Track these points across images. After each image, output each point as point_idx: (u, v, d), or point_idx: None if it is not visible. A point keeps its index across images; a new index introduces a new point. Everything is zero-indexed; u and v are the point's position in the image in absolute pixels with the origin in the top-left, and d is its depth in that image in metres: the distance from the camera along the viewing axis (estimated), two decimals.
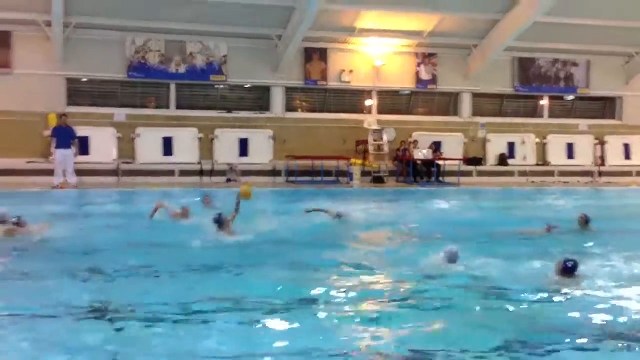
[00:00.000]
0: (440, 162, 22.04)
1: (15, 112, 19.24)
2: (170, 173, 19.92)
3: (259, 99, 22.34)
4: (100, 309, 5.89)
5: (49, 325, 5.40)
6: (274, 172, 21.09)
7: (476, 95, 24.03)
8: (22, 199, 14.44)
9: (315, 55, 22.24)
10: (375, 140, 22.09)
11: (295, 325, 5.59)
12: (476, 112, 24.05)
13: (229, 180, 20.16)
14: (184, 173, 20.13)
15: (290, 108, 22.45)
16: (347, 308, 6.14)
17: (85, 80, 20.58)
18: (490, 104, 24.49)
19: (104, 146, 19.89)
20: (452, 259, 7.53)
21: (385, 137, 22.14)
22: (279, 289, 6.71)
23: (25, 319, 5.56)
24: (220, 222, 9.40)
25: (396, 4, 20.34)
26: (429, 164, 21.97)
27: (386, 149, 22.07)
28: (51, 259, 8.16)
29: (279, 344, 5.12)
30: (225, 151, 20.94)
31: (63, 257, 8.28)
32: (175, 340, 5.18)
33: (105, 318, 5.65)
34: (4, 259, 7.96)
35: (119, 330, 5.38)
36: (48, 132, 18.44)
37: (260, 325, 5.55)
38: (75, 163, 17.90)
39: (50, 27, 18.90)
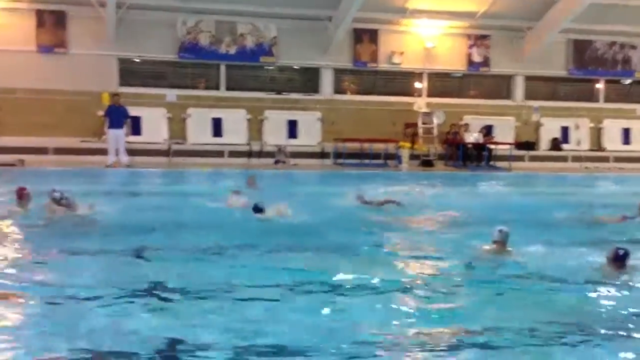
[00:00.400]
0: (491, 146, 21.71)
1: (70, 91, 19.60)
2: (220, 154, 20.04)
3: (308, 80, 22.29)
4: (149, 289, 5.92)
5: (98, 305, 5.45)
6: (322, 154, 21.06)
7: (529, 78, 23.56)
8: (75, 177, 14.71)
9: (365, 37, 22.06)
10: (424, 123, 21.87)
11: (348, 308, 5.55)
12: (529, 96, 23.59)
13: (277, 162, 20.20)
14: (232, 154, 20.23)
15: (339, 90, 22.35)
16: (396, 293, 6.06)
17: (137, 60, 20.80)
18: (543, 87, 23.99)
19: (155, 126, 20.10)
20: (503, 238, 7.37)
21: (434, 120, 21.89)
22: (331, 272, 6.68)
23: (73, 298, 5.61)
24: (259, 210, 9.36)
25: None
26: (479, 147, 21.64)
27: (435, 132, 21.83)
28: (100, 237, 8.27)
29: (344, 330, 5.06)
30: (274, 132, 20.98)
31: (113, 236, 8.35)
32: (228, 320, 5.18)
33: (156, 298, 5.68)
34: (53, 238, 8.08)
35: (168, 310, 5.41)
36: (101, 112, 18.70)
37: (317, 308, 5.51)
38: (127, 142, 18.17)
39: (104, 8, 19.12)
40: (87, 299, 5.55)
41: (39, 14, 19.68)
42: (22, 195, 9.58)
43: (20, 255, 7.12)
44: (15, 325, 4.87)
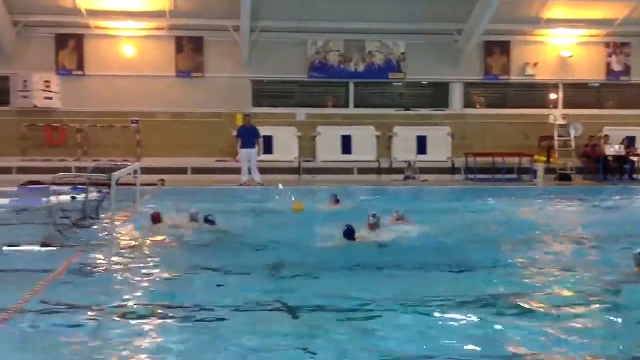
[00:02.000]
0: (634, 158, 20.55)
1: (206, 113, 20.49)
2: (349, 170, 20.22)
3: (437, 95, 22.05)
4: (284, 302, 6.11)
5: (235, 318, 5.64)
6: (452, 169, 20.75)
7: None
8: (211, 195, 15.35)
9: (496, 49, 21.59)
10: (560, 136, 21.09)
11: (478, 324, 5.49)
12: None
13: (406, 178, 20.12)
14: (361, 170, 20.36)
15: (468, 104, 21.97)
16: (528, 310, 5.91)
17: (268, 81, 21.40)
18: None
19: (285, 145, 20.53)
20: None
21: (571, 132, 21.06)
22: (459, 286, 6.63)
23: (211, 312, 5.84)
24: (350, 235, 8.94)
25: None
26: (620, 160, 20.56)
27: (572, 144, 20.96)
28: (238, 253, 8.59)
29: (468, 346, 5.03)
30: (403, 148, 20.87)
31: (246, 252, 8.69)
32: (355, 335, 5.25)
33: (290, 311, 5.86)
34: (195, 254, 8.47)
35: (303, 323, 5.55)
36: (234, 132, 19.41)
37: (441, 323, 5.48)
38: (259, 161, 18.73)
39: (238, 32, 19.87)
40: (223, 313, 5.77)
41: (178, 40, 20.73)
42: (156, 219, 10.23)
43: (159, 271, 7.50)
44: (156, 342, 5.13)
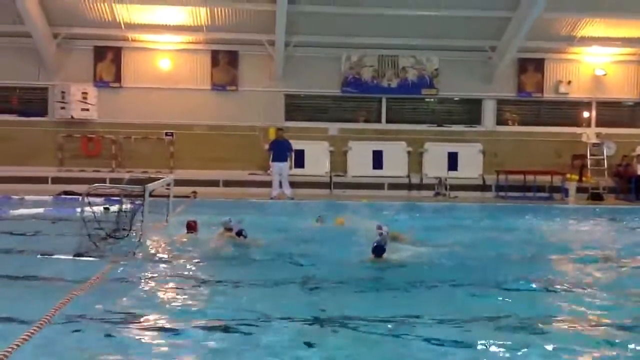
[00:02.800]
0: None
1: (239, 126, 20.73)
2: (380, 186, 20.30)
3: (469, 111, 22.04)
4: (318, 318, 6.17)
5: (267, 333, 5.73)
6: (484, 187, 20.69)
7: None
8: (242, 208, 15.53)
9: (530, 66, 21.53)
10: (593, 155, 20.93)
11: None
12: None
13: (437, 194, 20.12)
14: (392, 186, 20.42)
15: (501, 121, 21.90)
16: (559, 332, 5.91)
17: (301, 95, 21.57)
18: None
19: (317, 159, 20.67)
20: None
21: (604, 151, 20.88)
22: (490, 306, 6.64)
23: (243, 325, 5.91)
24: (379, 252, 8.88)
25: (621, 10, 19.28)
26: None
27: (605, 163, 20.78)
28: (265, 266, 8.71)
29: None
30: (434, 165, 20.88)
31: (281, 265, 8.79)
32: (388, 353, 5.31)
33: (323, 327, 5.92)
34: (227, 267, 8.60)
35: (336, 338, 5.60)
36: (267, 146, 19.60)
37: (477, 343, 5.50)
38: (291, 175, 18.89)
39: (273, 46, 20.10)
40: (254, 327, 5.87)
41: (214, 54, 21.03)
42: (191, 227, 10.41)
43: (191, 283, 7.62)
44: (187, 355, 5.23)
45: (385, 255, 8.94)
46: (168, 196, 12.38)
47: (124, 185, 9.53)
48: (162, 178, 10.62)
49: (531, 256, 9.92)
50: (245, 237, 10.08)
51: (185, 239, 10.31)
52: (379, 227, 9.61)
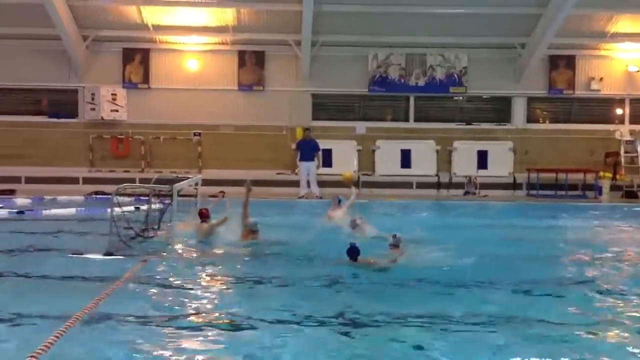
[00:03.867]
0: None
1: (266, 126, 20.74)
2: (408, 185, 20.16)
3: (499, 109, 21.78)
4: (343, 316, 6.15)
5: (286, 332, 5.71)
6: (514, 185, 20.44)
7: None
8: (270, 208, 15.50)
9: (561, 63, 21.22)
10: (627, 152, 20.55)
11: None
12: None
13: (466, 193, 19.92)
14: (421, 185, 20.27)
15: (531, 119, 21.60)
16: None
17: (328, 95, 21.49)
18: None
19: (345, 158, 20.52)
20: None
21: (638, 149, 20.51)
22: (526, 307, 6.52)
23: (269, 324, 5.91)
24: (353, 254, 8.44)
25: None
26: None
27: (639, 161, 20.45)
28: (290, 265, 8.66)
29: None
30: (464, 163, 20.68)
31: (303, 264, 8.73)
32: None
33: (349, 326, 5.89)
34: (251, 266, 8.57)
35: (359, 337, 5.57)
36: (294, 145, 19.57)
37: (521, 346, 5.41)
38: (318, 174, 18.83)
39: (300, 46, 20.07)
40: (275, 324, 5.85)
41: (241, 54, 21.04)
42: (203, 215, 10.35)
43: (218, 282, 7.62)
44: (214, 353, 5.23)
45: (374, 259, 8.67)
46: (195, 195, 12.42)
47: (152, 185, 9.51)
48: (190, 178, 10.59)
49: (564, 255, 9.77)
50: (256, 231, 9.98)
51: (210, 237, 10.34)
52: (394, 236, 9.06)
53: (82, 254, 8.74)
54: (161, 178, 10.91)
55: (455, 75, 21.18)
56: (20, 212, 14.08)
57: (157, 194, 9.33)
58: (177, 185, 8.72)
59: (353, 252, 8.37)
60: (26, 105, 21.11)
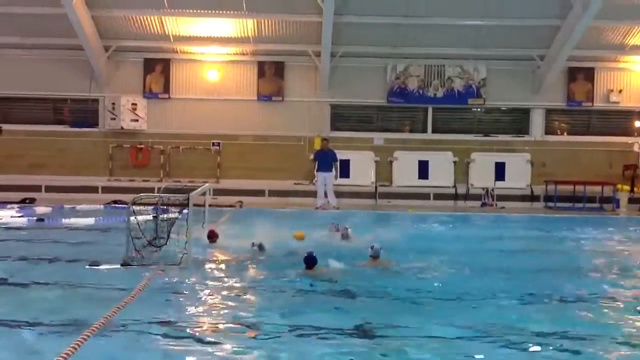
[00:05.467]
0: None
1: (285, 136, 20.87)
2: (425, 196, 20.18)
3: (517, 121, 21.75)
4: (363, 327, 6.19)
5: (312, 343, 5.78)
6: (532, 197, 20.39)
7: None
8: (287, 218, 15.61)
9: (580, 75, 21.16)
10: None
11: None
12: None
13: (484, 205, 19.90)
14: (438, 196, 20.28)
15: (549, 130, 21.54)
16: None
17: (346, 105, 21.57)
18: None
19: (363, 169, 20.59)
20: None
21: None
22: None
23: (280, 333, 5.96)
24: (309, 262, 8.60)
25: None
26: None
27: None
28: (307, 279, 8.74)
29: None
30: (481, 175, 20.67)
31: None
32: None
33: (369, 337, 5.93)
34: (264, 278, 8.66)
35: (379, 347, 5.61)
36: (312, 156, 19.66)
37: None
38: (336, 185, 18.91)
39: (319, 57, 20.19)
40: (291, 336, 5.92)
41: (261, 65, 21.22)
42: (212, 236, 10.69)
43: (232, 292, 7.71)
44: None
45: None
46: (216, 205, 12.51)
47: (159, 194, 9.65)
48: (200, 187, 10.72)
49: (577, 268, 9.77)
50: (263, 249, 10.20)
51: (222, 249, 10.50)
52: (371, 247, 9.27)
53: (99, 264, 8.87)
54: (169, 187, 11.04)
55: (474, 87, 21.19)
56: (40, 220, 14.32)
57: (172, 204, 9.45)
58: (192, 195, 8.84)
59: (310, 260, 8.58)
60: (48, 115, 21.44)
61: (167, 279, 8.14)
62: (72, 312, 6.51)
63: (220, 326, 6.25)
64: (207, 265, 9.30)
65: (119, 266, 8.73)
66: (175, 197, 9.10)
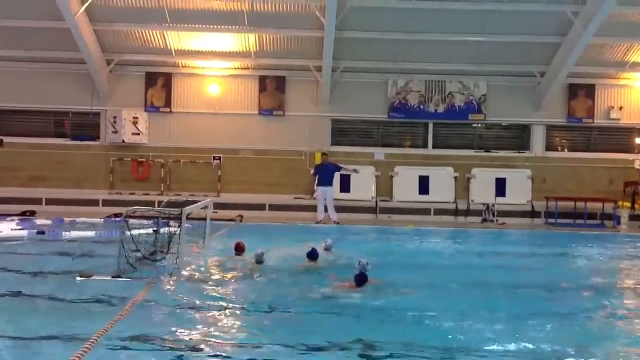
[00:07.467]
0: None
1: (285, 150, 20.90)
2: (426, 211, 20.16)
3: (518, 137, 21.77)
4: (367, 343, 6.21)
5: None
6: (533, 213, 20.35)
7: None
8: (287, 232, 15.61)
9: (580, 92, 21.17)
10: None
11: None
12: None
13: (484, 220, 19.87)
14: (438, 212, 20.25)
15: (550, 147, 21.53)
16: None
17: (347, 120, 21.60)
18: None
19: (363, 184, 20.55)
20: None
21: None
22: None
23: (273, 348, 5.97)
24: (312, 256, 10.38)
25: None
26: None
27: None
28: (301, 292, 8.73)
29: None
30: (482, 190, 20.63)
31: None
32: None
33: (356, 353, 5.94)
34: (257, 291, 8.65)
35: None
36: (312, 170, 19.69)
37: None
38: (336, 200, 18.92)
39: (320, 72, 20.25)
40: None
41: (262, 79, 21.29)
42: (239, 249, 10.67)
43: (225, 306, 7.70)
44: None
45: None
46: (213, 219, 12.54)
47: (162, 207, 9.68)
48: (202, 201, 10.77)
49: (576, 285, 9.75)
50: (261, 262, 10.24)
51: (219, 262, 10.49)
52: (358, 262, 9.29)
53: (90, 276, 8.87)
54: (171, 201, 11.08)
55: (475, 103, 21.22)
56: (41, 233, 14.34)
57: (168, 217, 9.48)
58: (186, 209, 8.85)
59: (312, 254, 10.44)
60: (49, 127, 21.49)
61: (157, 292, 8.13)
62: (64, 324, 6.50)
63: (199, 342, 6.21)
64: (198, 279, 9.27)
65: (109, 278, 8.72)
66: (170, 211, 9.10)
